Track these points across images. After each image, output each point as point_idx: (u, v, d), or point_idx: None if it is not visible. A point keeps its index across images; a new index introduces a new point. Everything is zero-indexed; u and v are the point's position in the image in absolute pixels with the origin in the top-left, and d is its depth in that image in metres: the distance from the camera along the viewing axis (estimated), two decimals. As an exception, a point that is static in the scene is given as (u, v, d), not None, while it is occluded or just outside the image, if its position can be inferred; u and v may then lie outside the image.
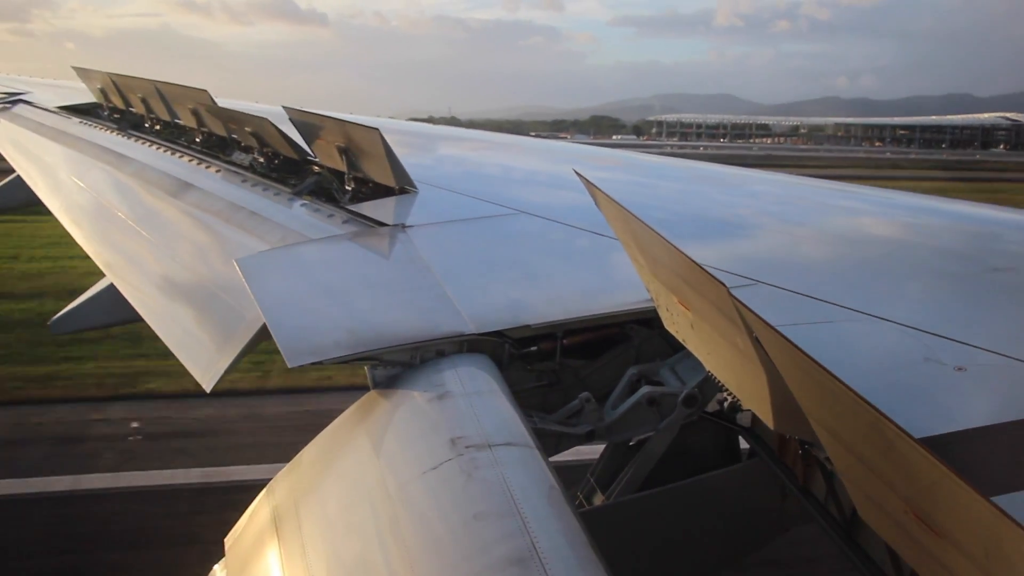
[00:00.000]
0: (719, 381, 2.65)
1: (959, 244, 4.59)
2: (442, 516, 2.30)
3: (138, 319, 5.14)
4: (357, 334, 3.15)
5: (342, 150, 5.40)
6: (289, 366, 3.00)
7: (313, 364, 3.01)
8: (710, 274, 2.14)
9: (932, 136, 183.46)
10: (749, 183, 6.70)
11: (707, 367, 2.69)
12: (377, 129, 5.09)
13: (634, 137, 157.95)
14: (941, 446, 1.94)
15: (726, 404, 3.43)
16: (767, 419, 2.30)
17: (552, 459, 2.50)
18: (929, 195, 5.99)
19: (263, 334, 3.53)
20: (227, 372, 3.59)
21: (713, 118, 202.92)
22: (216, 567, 2.91)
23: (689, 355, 2.89)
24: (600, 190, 2.78)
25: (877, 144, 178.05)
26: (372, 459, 2.78)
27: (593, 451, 3.72)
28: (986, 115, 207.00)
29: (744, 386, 2.40)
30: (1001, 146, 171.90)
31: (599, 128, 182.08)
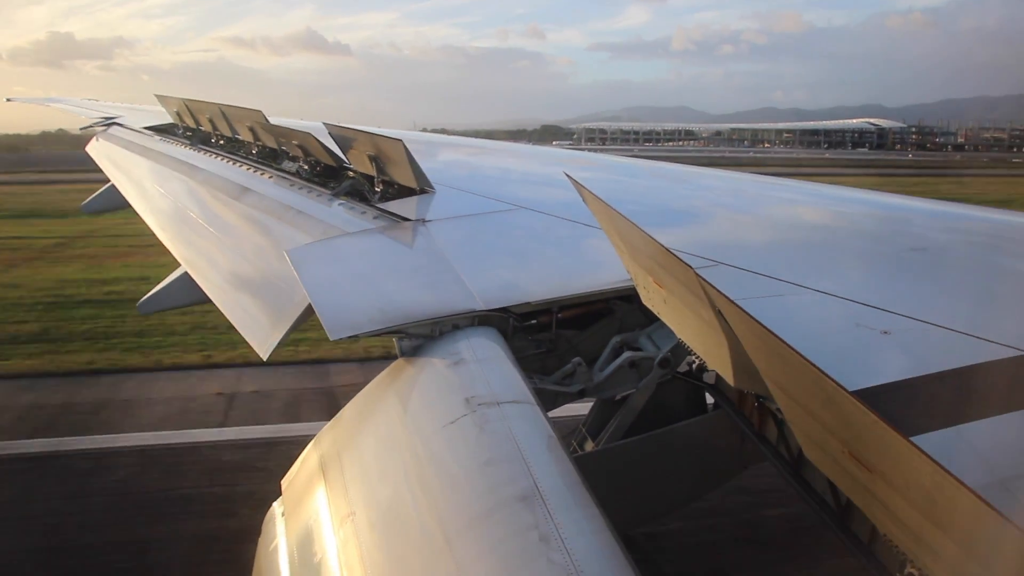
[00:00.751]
0: (688, 346, 2.62)
1: (882, 229, 4.54)
2: (459, 462, 2.29)
3: (207, 300, 5.14)
4: (386, 311, 3.12)
5: (372, 158, 5.35)
6: (331, 339, 2.98)
7: (350, 337, 2.99)
8: (679, 258, 2.11)
9: (811, 138, 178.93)
10: (701, 179, 6.63)
11: (678, 335, 2.66)
12: (401, 140, 5.04)
13: (569, 142, 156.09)
14: (870, 397, 1.92)
15: (694, 365, 3.41)
16: (728, 377, 2.28)
17: (550, 413, 2.48)
18: (851, 187, 5.92)
19: (309, 312, 3.51)
20: (279, 344, 3.58)
21: (627, 126, 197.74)
22: (275, 504, 2.91)
23: (663, 325, 2.86)
24: (587, 189, 2.74)
25: (766, 145, 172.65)
26: (401, 415, 2.76)
27: (583, 407, 3.71)
28: (855, 120, 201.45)
29: (709, 350, 2.37)
30: (865, 147, 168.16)
31: (543, 136, 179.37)
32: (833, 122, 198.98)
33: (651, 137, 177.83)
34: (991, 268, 3.56)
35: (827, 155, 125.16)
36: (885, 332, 2.49)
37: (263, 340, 3.71)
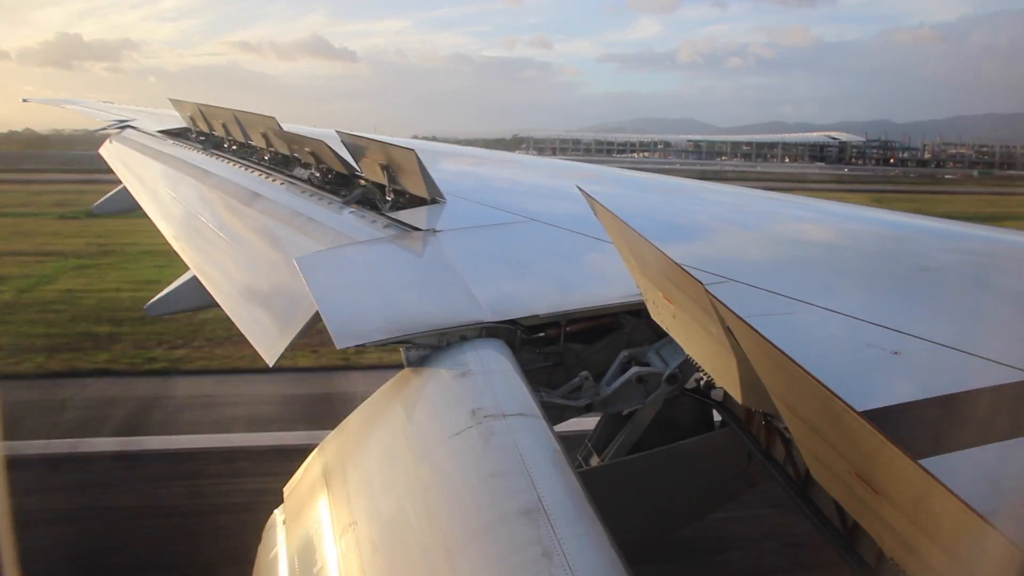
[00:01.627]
0: (696, 363, 2.61)
1: (893, 248, 4.52)
2: (463, 474, 2.28)
3: (215, 305, 5.17)
4: (394, 321, 3.13)
5: (384, 167, 5.39)
6: (338, 347, 2.99)
7: (357, 346, 3.00)
8: (689, 273, 2.11)
9: (768, 151, 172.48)
10: (707, 194, 6.62)
11: (686, 351, 2.65)
12: (413, 149, 5.08)
13: (519, 149, 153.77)
14: (880, 417, 1.91)
15: (702, 382, 3.39)
16: (736, 395, 2.27)
17: (556, 428, 2.47)
18: (862, 206, 5.89)
19: (316, 320, 3.53)
20: (286, 351, 3.60)
21: (577, 135, 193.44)
22: (276, 511, 2.91)
23: (672, 341, 2.85)
24: (598, 202, 2.75)
25: (723, 158, 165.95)
26: (406, 426, 2.77)
27: (590, 422, 3.69)
28: (815, 134, 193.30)
29: (717, 367, 2.36)
30: (822, 161, 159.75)
31: (513, 145, 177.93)
32: (792, 135, 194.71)
33: (603, 148, 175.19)
34: (1004, 290, 3.53)
35: (758, 168, 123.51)
36: (896, 352, 2.47)
37: (269, 347, 3.73)
